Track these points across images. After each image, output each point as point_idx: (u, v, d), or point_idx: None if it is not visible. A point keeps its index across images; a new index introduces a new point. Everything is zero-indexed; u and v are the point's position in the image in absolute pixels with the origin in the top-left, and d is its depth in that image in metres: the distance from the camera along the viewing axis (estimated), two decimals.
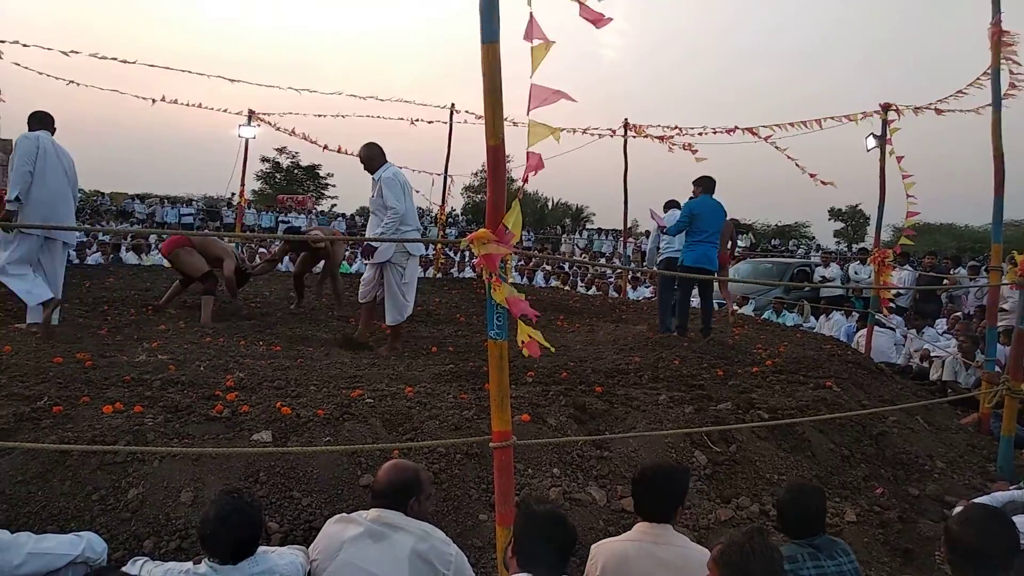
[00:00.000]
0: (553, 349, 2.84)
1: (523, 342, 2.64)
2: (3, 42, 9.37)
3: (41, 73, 9.85)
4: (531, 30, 2.42)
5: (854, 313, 11.77)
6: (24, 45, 9.42)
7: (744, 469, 4.12)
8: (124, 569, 2.44)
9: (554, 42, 2.44)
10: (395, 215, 5.95)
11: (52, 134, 6.07)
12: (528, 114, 2.50)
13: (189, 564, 2.31)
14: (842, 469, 4.44)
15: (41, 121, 6.05)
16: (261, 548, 2.41)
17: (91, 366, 4.63)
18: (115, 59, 10.25)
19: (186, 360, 5.06)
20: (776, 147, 9.12)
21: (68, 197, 6.04)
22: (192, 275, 7.40)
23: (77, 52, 9.89)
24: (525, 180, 2.64)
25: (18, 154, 5.71)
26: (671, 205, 8.82)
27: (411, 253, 6.28)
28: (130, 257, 13.33)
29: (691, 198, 7.36)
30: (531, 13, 2.40)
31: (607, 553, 2.56)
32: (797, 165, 9.08)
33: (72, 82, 10.15)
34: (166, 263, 8.45)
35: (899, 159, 7.71)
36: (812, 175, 9.07)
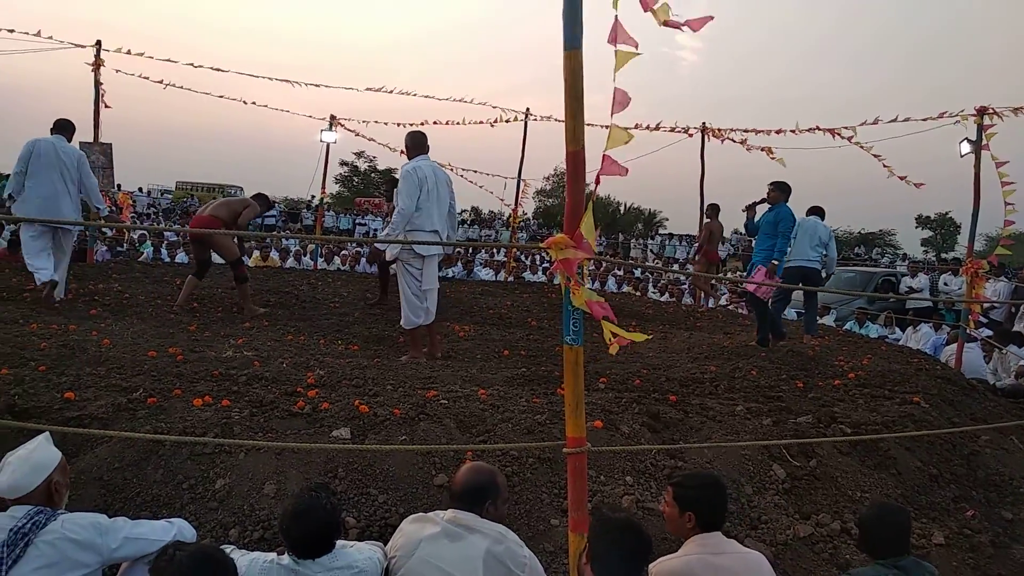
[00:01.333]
0: (644, 338, 2.80)
1: (611, 340, 2.63)
2: (108, 51, 9.98)
3: (142, 77, 10.42)
4: (615, 34, 2.41)
5: (944, 326, 11.24)
6: (128, 52, 10.01)
7: (825, 485, 3.98)
8: None
9: (639, 52, 2.42)
10: (399, 214, 5.62)
11: (69, 139, 6.99)
12: (611, 117, 2.49)
13: (273, 555, 2.39)
14: (930, 489, 4.24)
15: (61, 127, 6.96)
16: (340, 543, 2.47)
17: (182, 360, 4.85)
18: (210, 68, 10.73)
19: (270, 357, 5.25)
20: (860, 146, 8.79)
21: (65, 193, 6.80)
22: (227, 258, 7.68)
23: (175, 61, 10.46)
24: (597, 182, 2.63)
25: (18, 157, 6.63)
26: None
27: (422, 255, 5.79)
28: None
29: (763, 200, 7.16)
30: (616, 17, 2.39)
31: (669, 571, 2.52)
32: (884, 165, 8.73)
33: (169, 84, 10.68)
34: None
35: (999, 164, 7.33)
36: (902, 177, 8.70)
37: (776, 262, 6.90)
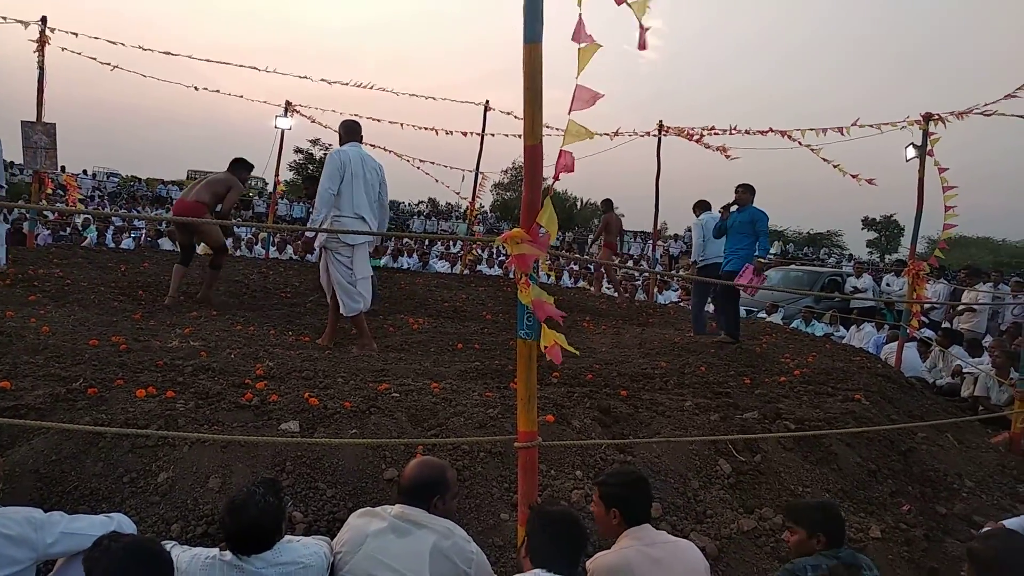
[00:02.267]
0: (577, 353, 2.84)
1: (546, 347, 2.65)
2: (54, 31, 9.61)
3: (90, 58, 10.07)
4: (580, 32, 2.42)
5: (885, 326, 11.59)
6: (75, 35, 9.67)
7: (769, 480, 4.07)
8: None
9: (600, 45, 2.43)
10: (319, 196, 5.59)
11: None
12: (569, 114, 2.50)
13: (215, 551, 2.34)
14: (868, 484, 4.37)
15: None
16: (286, 537, 2.43)
17: (126, 349, 4.72)
18: (160, 52, 10.42)
19: (217, 347, 5.14)
20: (812, 149, 9.00)
21: None
22: (212, 245, 7.46)
23: (122, 43, 10.14)
24: (556, 179, 2.64)
25: None
26: (702, 207, 8.84)
27: (350, 243, 5.75)
28: (165, 243, 13.56)
29: (733, 203, 7.32)
30: (580, 15, 2.40)
31: (607, 567, 2.56)
32: (835, 166, 8.92)
33: (116, 67, 10.32)
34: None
35: (941, 170, 7.58)
36: (854, 176, 8.92)
37: (762, 260, 7.11)
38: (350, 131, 5.97)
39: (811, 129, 8.99)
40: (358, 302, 5.87)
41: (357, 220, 5.69)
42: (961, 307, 11.15)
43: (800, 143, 9.09)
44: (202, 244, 8.16)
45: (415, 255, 16.16)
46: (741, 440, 4.25)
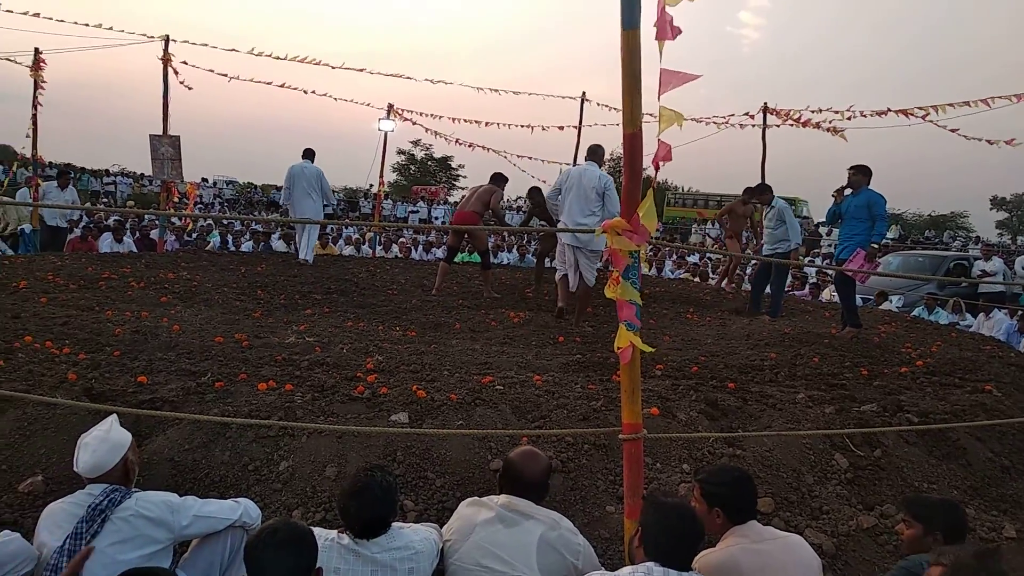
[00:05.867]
0: (652, 350, 2.77)
1: (619, 348, 2.61)
2: (175, 41, 10.30)
3: (209, 70, 10.72)
4: (661, 21, 2.37)
5: (1019, 312, 10.73)
6: (192, 43, 10.33)
7: (890, 475, 3.87)
8: None
9: (680, 31, 2.38)
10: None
11: None
12: (659, 99, 2.45)
13: (334, 532, 2.45)
14: (1002, 481, 4.08)
15: None
16: (397, 524, 2.52)
17: (248, 346, 5.01)
18: (269, 56, 10.95)
19: (331, 343, 5.37)
20: (938, 125, 8.45)
21: None
22: (477, 247, 9.02)
23: (237, 51, 10.72)
24: (657, 168, 2.59)
25: None
26: (763, 190, 8.83)
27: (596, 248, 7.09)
28: (279, 245, 14.25)
29: (846, 186, 6.95)
30: (663, 7, 2.35)
31: (714, 565, 2.49)
32: (966, 138, 8.34)
33: (234, 77, 10.94)
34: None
35: None
36: (990, 141, 8.32)
37: (876, 245, 6.75)
38: (593, 153, 7.41)
39: (933, 106, 8.46)
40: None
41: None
42: None
43: (923, 119, 8.55)
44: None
45: (514, 249, 16.27)
46: (859, 434, 4.05)
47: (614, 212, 6.91)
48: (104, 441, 2.45)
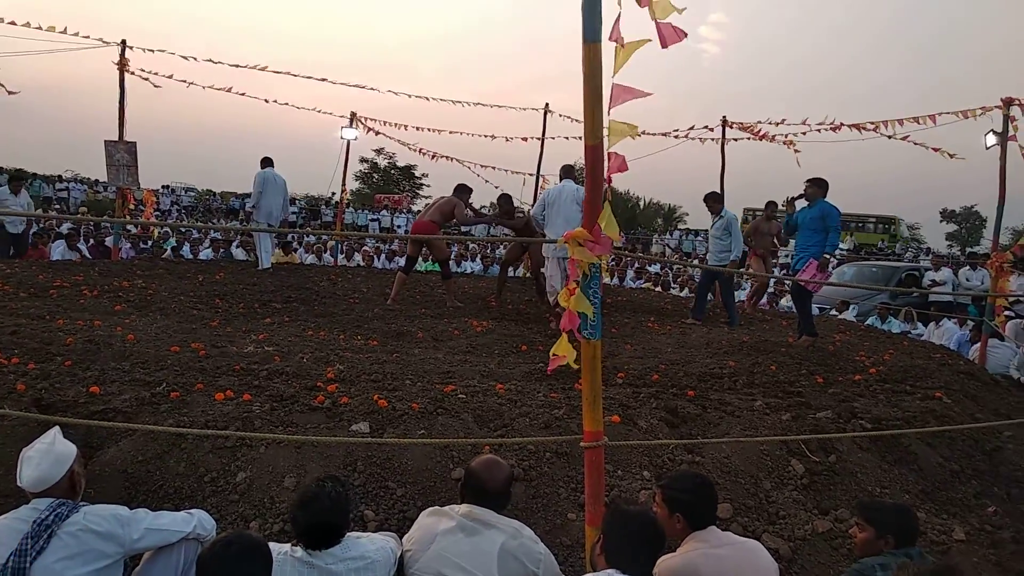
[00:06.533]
0: (576, 367, 2.79)
1: (554, 354, 2.65)
2: (132, 48, 10.08)
3: (167, 76, 10.51)
4: (616, 31, 2.42)
5: (968, 321, 11.07)
6: (149, 50, 10.14)
7: (844, 480, 3.95)
8: None
9: (637, 45, 2.42)
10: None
11: None
12: (608, 114, 2.49)
13: (287, 546, 2.41)
14: (951, 485, 4.20)
15: None
16: (354, 534, 2.49)
17: (204, 355, 4.92)
18: (229, 64, 10.81)
19: (290, 352, 5.30)
20: (889, 136, 8.70)
21: None
22: (436, 257, 8.92)
23: (195, 58, 10.56)
24: (608, 181, 2.63)
25: None
26: (715, 198, 8.96)
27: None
28: (239, 253, 14.04)
29: (799, 197, 7.12)
30: (619, 14, 2.39)
31: (673, 570, 2.52)
32: (915, 144, 8.57)
33: (192, 84, 10.77)
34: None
35: None
36: (935, 149, 8.58)
37: (828, 256, 6.91)
38: (568, 172, 7.88)
39: (884, 121, 8.71)
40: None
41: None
42: None
43: (874, 130, 8.80)
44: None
45: (478, 259, 16.29)
46: (814, 440, 4.13)
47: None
48: (47, 454, 2.38)
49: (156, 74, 10.37)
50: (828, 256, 6.91)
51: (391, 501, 3.31)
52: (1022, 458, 4.60)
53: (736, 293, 14.15)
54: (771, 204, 10.43)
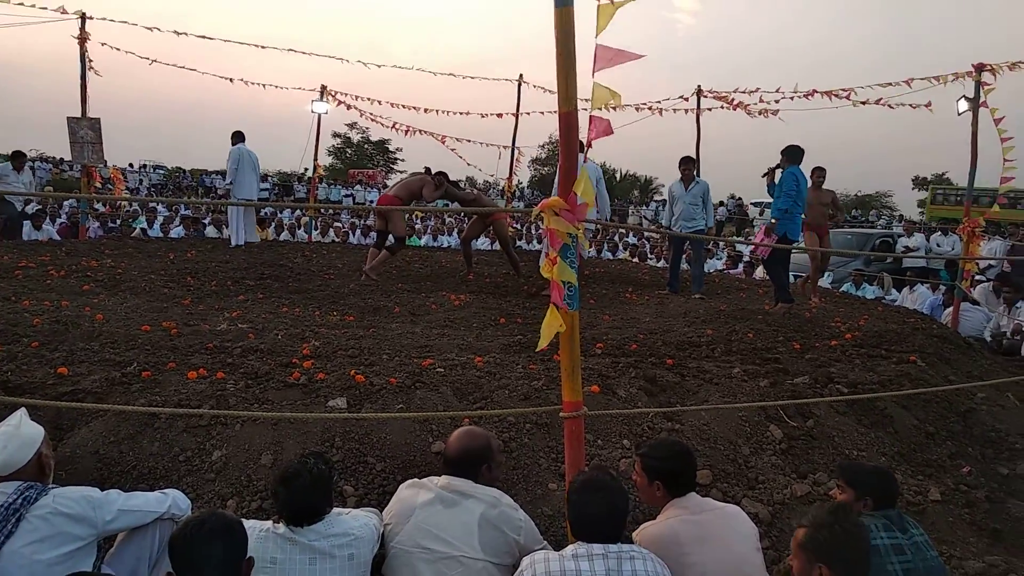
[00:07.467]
0: (557, 336, 2.75)
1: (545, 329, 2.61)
2: (91, 19, 9.74)
3: (128, 52, 10.21)
4: None
5: (940, 286, 11.23)
6: (110, 21, 9.82)
7: (822, 444, 3.99)
8: None
9: (621, 2, 2.37)
10: None
11: None
12: (592, 76, 2.44)
13: (269, 523, 2.38)
14: (926, 446, 4.26)
15: None
16: (336, 510, 2.46)
17: (176, 334, 4.83)
18: (196, 36, 10.53)
19: (264, 329, 5.22)
20: (862, 103, 8.69)
21: None
22: (394, 233, 8.49)
23: (159, 29, 10.25)
24: (589, 144, 2.57)
25: None
26: (690, 163, 8.73)
27: None
28: (211, 231, 13.82)
29: (777, 167, 7.18)
30: None
31: (653, 537, 2.52)
32: (890, 107, 8.51)
33: (155, 61, 10.49)
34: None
35: (997, 121, 7.27)
36: (912, 106, 8.54)
37: (775, 220, 6.96)
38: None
39: (859, 87, 8.72)
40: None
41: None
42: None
43: (850, 100, 8.80)
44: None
45: (455, 233, 16.19)
46: (792, 405, 4.17)
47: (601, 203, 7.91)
48: (14, 437, 2.31)
49: (118, 49, 10.09)
50: (774, 220, 6.98)
51: (370, 476, 3.28)
52: (995, 419, 4.68)
53: (711, 262, 14.24)
54: (818, 170, 8.59)
